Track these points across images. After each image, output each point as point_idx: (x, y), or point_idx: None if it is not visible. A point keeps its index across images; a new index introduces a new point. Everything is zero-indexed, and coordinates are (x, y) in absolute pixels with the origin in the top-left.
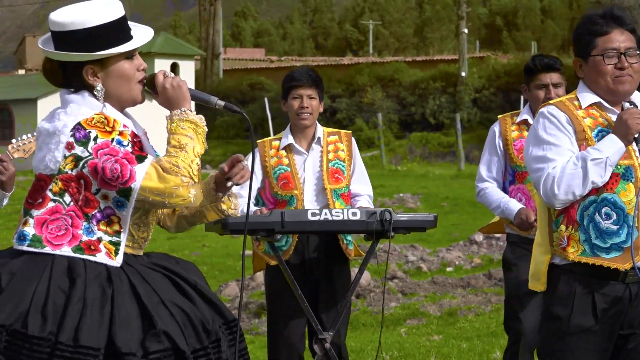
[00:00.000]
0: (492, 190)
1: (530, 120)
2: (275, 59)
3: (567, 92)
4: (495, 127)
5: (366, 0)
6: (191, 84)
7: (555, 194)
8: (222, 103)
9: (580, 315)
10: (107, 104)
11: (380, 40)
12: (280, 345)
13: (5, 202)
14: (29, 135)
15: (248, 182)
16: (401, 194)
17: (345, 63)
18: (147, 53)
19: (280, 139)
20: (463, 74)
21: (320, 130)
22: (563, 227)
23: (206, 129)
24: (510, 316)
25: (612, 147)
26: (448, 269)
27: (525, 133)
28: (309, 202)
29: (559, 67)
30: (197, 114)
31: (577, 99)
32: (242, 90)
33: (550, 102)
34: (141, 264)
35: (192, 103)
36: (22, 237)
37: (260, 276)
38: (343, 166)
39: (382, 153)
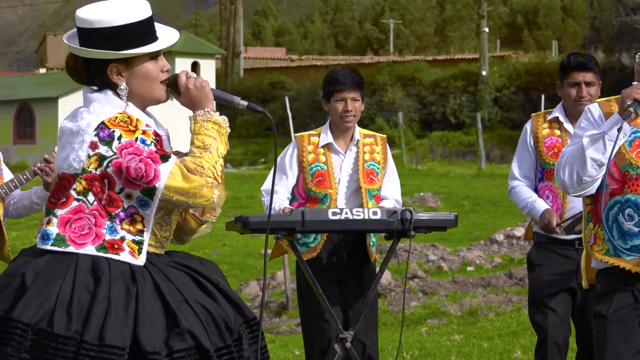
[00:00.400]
0: (522, 189)
1: (562, 118)
2: (295, 57)
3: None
4: (528, 125)
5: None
6: (212, 83)
7: (562, 179)
8: (245, 103)
9: (620, 309)
10: (129, 103)
11: (400, 39)
12: (315, 331)
13: None
14: None
15: (272, 179)
16: (422, 193)
17: (366, 62)
18: (168, 52)
19: (318, 135)
20: (484, 73)
21: (358, 132)
22: (591, 224)
23: (229, 130)
24: (534, 316)
25: (610, 121)
26: (469, 269)
27: (557, 131)
28: (343, 202)
29: (593, 67)
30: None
31: None
32: (263, 89)
33: (598, 99)
34: (164, 263)
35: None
36: (45, 237)
37: (280, 275)
38: (377, 168)
39: (402, 152)
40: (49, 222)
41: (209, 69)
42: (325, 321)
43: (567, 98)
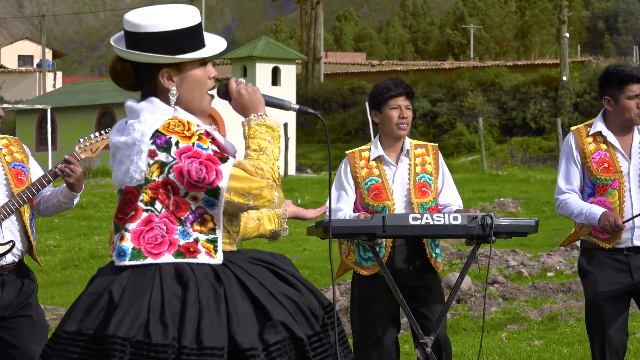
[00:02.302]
0: (574, 199)
1: (605, 132)
2: (376, 63)
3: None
4: (571, 139)
5: (466, 5)
6: (292, 88)
7: None
8: (296, 106)
9: None
10: (177, 107)
11: (481, 44)
12: (372, 352)
13: (75, 201)
14: (97, 134)
15: (329, 184)
16: (502, 199)
17: (446, 67)
18: (249, 57)
19: (369, 150)
20: (564, 78)
21: (408, 143)
22: None
23: (281, 134)
24: (592, 323)
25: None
26: (549, 274)
27: (602, 145)
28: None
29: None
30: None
31: None
32: (343, 94)
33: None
34: (241, 260)
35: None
36: (121, 253)
37: None
38: (430, 179)
39: (482, 157)
40: (122, 238)
41: (289, 74)
42: (382, 335)
43: (624, 111)
